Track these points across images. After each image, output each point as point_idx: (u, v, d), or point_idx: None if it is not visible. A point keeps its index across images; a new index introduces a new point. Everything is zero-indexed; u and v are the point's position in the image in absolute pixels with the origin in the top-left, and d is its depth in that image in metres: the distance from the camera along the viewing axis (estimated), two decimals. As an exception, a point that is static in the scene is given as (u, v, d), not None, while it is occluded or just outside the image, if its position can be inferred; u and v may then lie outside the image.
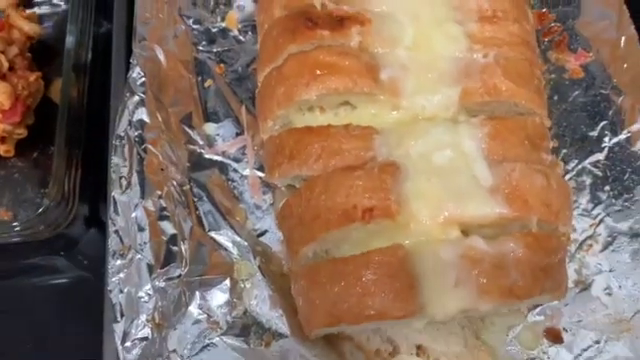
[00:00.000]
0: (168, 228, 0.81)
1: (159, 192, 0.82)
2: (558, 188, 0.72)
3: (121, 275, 0.78)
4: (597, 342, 0.77)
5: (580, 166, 0.86)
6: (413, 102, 0.74)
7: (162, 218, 0.81)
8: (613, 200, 0.83)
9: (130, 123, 0.85)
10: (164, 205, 0.81)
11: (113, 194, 0.81)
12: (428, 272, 0.66)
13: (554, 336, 0.79)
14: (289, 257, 0.75)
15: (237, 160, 0.88)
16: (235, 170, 0.88)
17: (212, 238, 0.82)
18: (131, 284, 0.77)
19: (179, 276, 0.77)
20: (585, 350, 0.78)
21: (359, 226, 0.68)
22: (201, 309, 0.76)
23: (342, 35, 0.74)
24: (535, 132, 0.75)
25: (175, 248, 0.79)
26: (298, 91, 0.73)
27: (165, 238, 0.80)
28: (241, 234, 0.82)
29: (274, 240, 0.83)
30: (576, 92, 0.90)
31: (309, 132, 0.73)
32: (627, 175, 0.85)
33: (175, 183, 0.84)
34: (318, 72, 0.72)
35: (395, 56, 0.74)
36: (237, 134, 0.89)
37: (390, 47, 0.75)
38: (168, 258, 0.78)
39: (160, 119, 0.87)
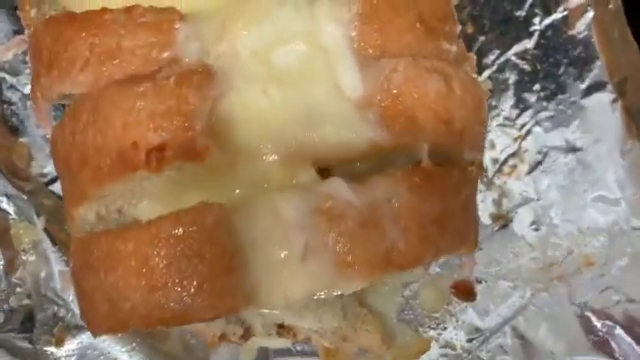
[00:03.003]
0: None
1: None
2: (464, 94, 0.51)
3: None
4: (521, 297, 0.64)
5: (502, 59, 0.69)
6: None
7: None
8: (544, 103, 0.68)
9: None
10: None
11: None
12: (259, 241, 0.44)
13: (464, 291, 0.65)
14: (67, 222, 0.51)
15: (15, 72, 0.67)
16: (13, 87, 0.67)
17: (-27, 192, 0.61)
18: None
19: None
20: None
21: (149, 175, 0.43)
22: (-45, 297, 0.60)
23: None
24: (432, 9, 0.54)
25: None
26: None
27: None
28: (21, 183, 0.64)
29: (73, 188, 0.62)
30: (497, -43, 0.71)
31: (71, 22, 0.49)
32: (562, 69, 0.68)
33: None
34: None
35: None
36: (15, 32, 0.67)
37: None
38: None
39: None
